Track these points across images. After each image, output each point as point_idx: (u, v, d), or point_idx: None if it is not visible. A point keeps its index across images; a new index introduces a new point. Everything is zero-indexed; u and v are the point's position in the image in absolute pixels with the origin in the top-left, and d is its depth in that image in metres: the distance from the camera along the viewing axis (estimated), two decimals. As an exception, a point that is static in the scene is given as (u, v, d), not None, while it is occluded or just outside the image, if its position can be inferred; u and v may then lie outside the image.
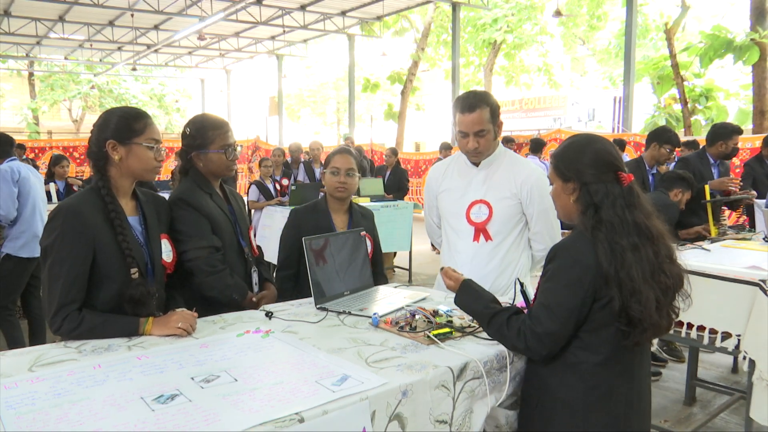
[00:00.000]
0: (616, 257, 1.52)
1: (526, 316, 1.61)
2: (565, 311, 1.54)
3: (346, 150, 2.66)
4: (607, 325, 1.56)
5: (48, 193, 5.74)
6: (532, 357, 1.64)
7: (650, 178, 4.36)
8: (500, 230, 2.39)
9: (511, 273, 2.41)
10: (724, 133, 4.49)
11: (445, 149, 9.82)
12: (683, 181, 3.95)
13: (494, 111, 2.33)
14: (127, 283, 1.80)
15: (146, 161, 1.88)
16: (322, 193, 2.86)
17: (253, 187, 7.13)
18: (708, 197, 4.16)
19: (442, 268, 1.99)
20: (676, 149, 4.43)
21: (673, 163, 4.97)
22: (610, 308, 1.53)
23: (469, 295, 1.78)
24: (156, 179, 3.02)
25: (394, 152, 8.73)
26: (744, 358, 2.43)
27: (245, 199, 6.71)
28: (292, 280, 2.52)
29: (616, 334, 1.56)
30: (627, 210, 1.56)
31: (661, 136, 4.32)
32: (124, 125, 1.85)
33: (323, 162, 2.69)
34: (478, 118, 2.29)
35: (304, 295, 2.27)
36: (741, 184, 4.41)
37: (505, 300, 2.15)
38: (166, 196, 2.27)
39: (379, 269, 2.69)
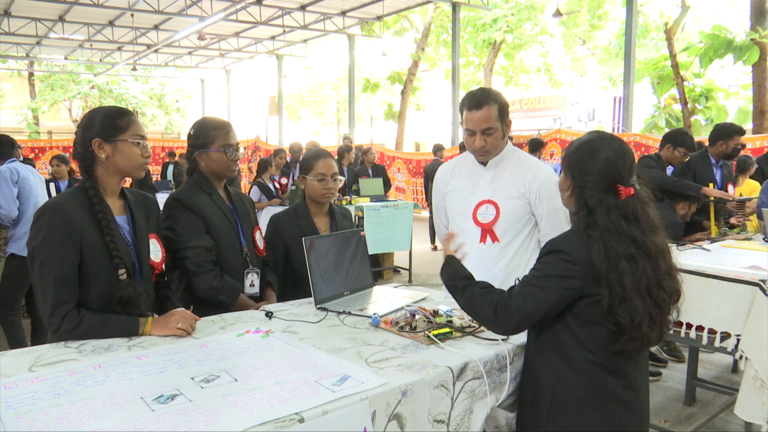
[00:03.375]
0: (610, 260, 1.52)
1: (505, 292, 1.65)
2: (544, 296, 1.57)
3: (327, 153, 2.63)
4: (599, 323, 1.56)
5: (49, 193, 5.75)
6: (496, 329, 1.66)
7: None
8: (507, 231, 2.32)
9: (519, 276, 2.36)
10: (725, 132, 4.49)
11: (438, 150, 9.81)
12: (690, 195, 4.00)
13: (502, 109, 2.27)
14: (114, 283, 1.79)
15: (133, 157, 1.87)
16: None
17: (255, 187, 7.13)
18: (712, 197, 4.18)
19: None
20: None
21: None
22: (600, 307, 1.54)
23: (450, 267, 1.82)
24: (154, 179, 3.02)
25: (361, 151, 8.63)
26: (741, 357, 2.43)
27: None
28: (280, 288, 2.49)
29: (609, 337, 1.56)
30: (623, 222, 1.55)
31: (676, 138, 4.30)
32: (108, 123, 1.85)
33: (300, 166, 2.62)
34: (486, 115, 2.23)
35: (291, 300, 2.27)
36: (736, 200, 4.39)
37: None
38: (166, 196, 2.29)
39: None
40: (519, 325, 1.61)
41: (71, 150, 1.98)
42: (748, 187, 5.35)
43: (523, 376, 1.73)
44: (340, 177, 2.60)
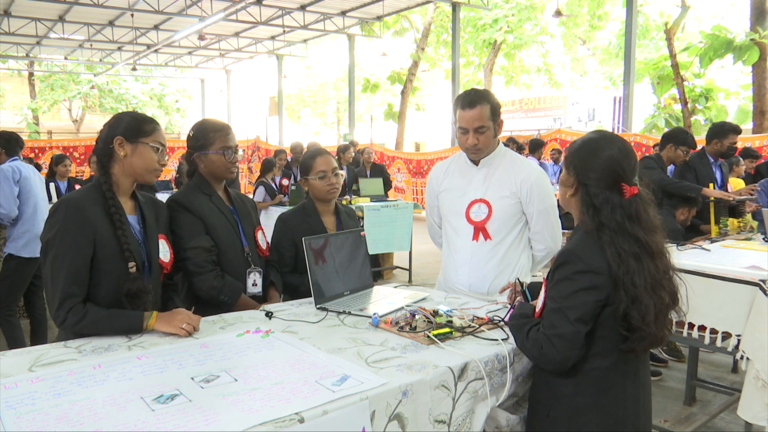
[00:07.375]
0: (622, 261, 1.51)
1: (540, 324, 1.59)
2: (578, 313, 1.51)
3: (323, 150, 2.66)
4: (614, 329, 1.56)
5: (48, 193, 5.75)
6: (547, 365, 1.58)
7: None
8: (500, 229, 2.39)
9: (511, 273, 2.40)
10: (720, 131, 4.52)
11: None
12: (690, 198, 4.00)
13: (495, 109, 2.34)
14: (124, 278, 1.82)
15: (149, 161, 1.93)
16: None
17: (261, 187, 7.13)
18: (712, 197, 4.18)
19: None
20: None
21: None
22: (617, 313, 1.53)
23: (516, 309, 1.77)
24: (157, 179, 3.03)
25: (357, 151, 8.45)
26: (741, 357, 2.43)
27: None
28: (292, 289, 2.50)
29: (619, 338, 1.56)
30: (627, 221, 1.55)
31: (677, 137, 4.32)
32: (134, 125, 1.93)
33: (300, 169, 2.62)
34: (479, 114, 2.30)
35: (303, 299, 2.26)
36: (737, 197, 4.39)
37: (504, 300, 2.15)
38: (166, 196, 2.31)
39: None
40: (567, 351, 1.52)
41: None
42: (733, 184, 5.40)
43: (535, 386, 1.72)
44: (341, 171, 2.62)
